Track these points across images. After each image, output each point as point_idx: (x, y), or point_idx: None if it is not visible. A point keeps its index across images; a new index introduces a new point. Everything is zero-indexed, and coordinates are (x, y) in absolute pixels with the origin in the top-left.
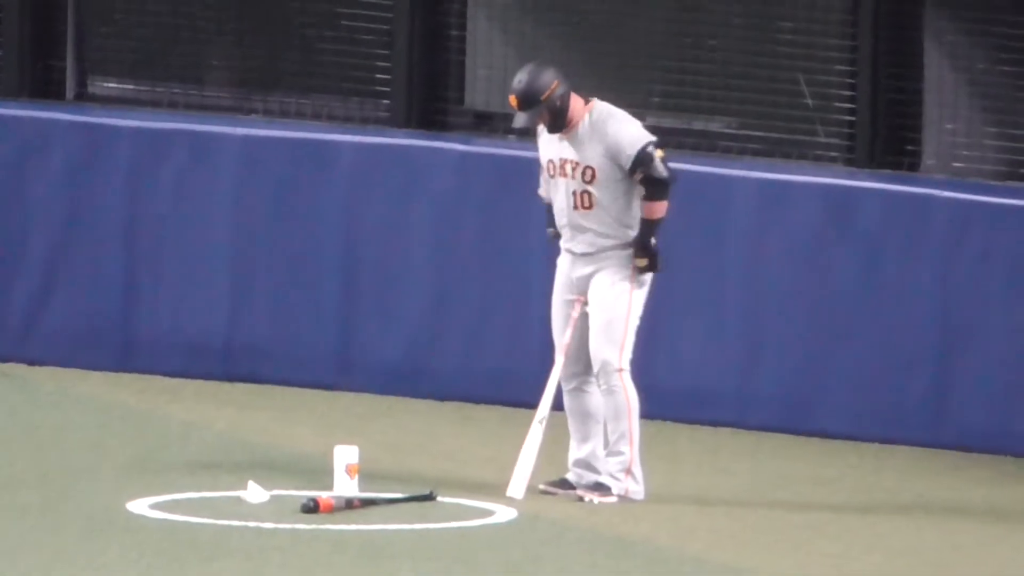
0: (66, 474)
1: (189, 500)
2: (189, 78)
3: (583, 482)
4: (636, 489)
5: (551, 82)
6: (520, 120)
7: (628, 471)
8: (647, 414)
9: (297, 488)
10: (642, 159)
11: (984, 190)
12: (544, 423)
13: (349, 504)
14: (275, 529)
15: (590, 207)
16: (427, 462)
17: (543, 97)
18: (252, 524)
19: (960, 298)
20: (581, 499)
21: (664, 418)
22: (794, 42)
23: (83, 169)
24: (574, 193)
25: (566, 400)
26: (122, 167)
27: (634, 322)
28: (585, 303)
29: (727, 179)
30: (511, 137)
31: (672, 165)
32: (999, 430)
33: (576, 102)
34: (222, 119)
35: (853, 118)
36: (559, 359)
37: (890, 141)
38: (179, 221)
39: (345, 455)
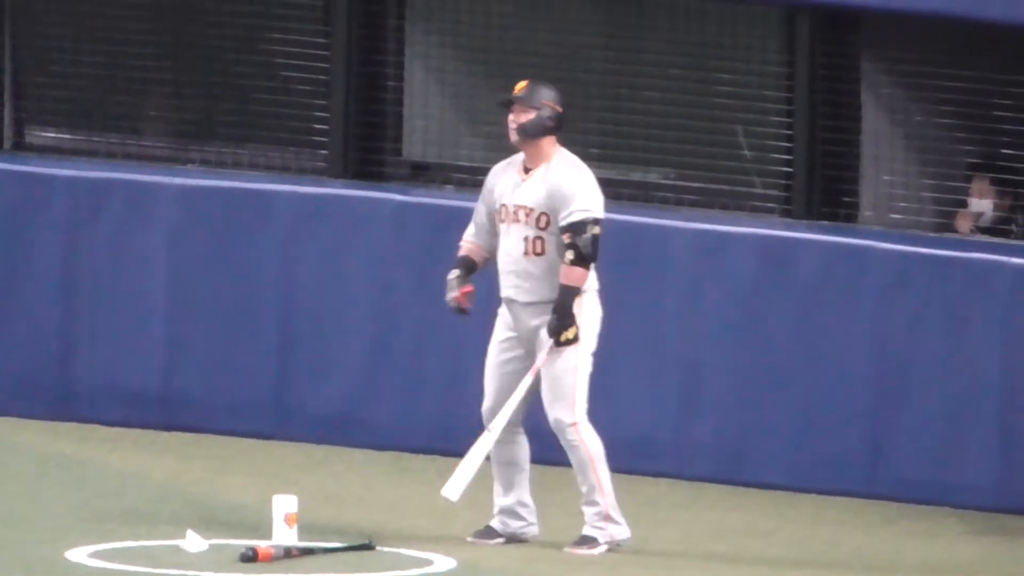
0: (4, 523)
1: (128, 549)
2: (126, 128)
3: (509, 530)
4: (619, 530)
5: (556, 103)
6: (512, 100)
7: (607, 517)
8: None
9: (236, 537)
10: (576, 227)
11: (921, 242)
12: (494, 434)
13: (288, 553)
14: None
15: (542, 253)
16: (365, 511)
17: (545, 102)
18: (191, 573)
19: (897, 350)
20: (571, 554)
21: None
22: (732, 93)
23: (20, 218)
24: (526, 239)
25: (492, 449)
26: (59, 216)
27: (583, 374)
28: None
29: (664, 230)
30: (449, 187)
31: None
32: (936, 481)
33: (551, 144)
34: (159, 169)
35: (790, 169)
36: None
37: (827, 192)
38: (116, 270)
39: (284, 504)
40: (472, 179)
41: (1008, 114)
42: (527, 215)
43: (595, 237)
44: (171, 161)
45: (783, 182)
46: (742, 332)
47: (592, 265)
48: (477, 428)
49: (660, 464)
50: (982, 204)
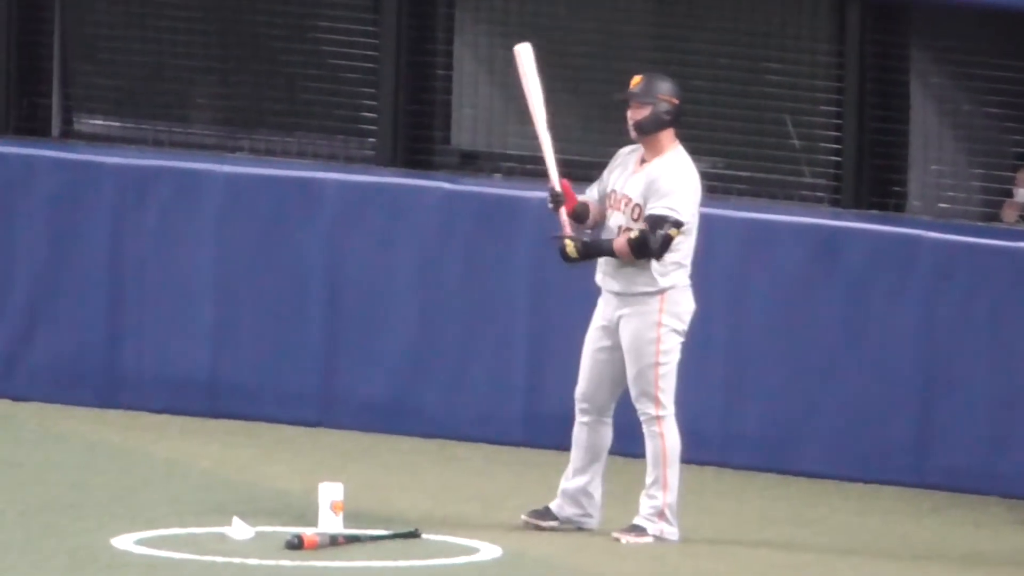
0: (50, 510)
1: (174, 536)
2: (174, 116)
3: (564, 514)
4: (671, 531)
5: (674, 96)
6: (629, 95)
7: (661, 514)
8: (629, 452)
9: (282, 525)
10: (656, 221)
11: (969, 231)
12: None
13: (333, 541)
14: (259, 565)
15: None
16: (411, 499)
17: (660, 96)
18: (236, 560)
19: (945, 339)
20: (617, 540)
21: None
22: (781, 83)
23: (68, 206)
24: (619, 228)
25: (577, 431)
26: (107, 204)
27: (666, 367)
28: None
29: (713, 219)
30: (497, 176)
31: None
32: (984, 471)
33: (669, 137)
34: (207, 157)
35: (839, 159)
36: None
37: (876, 182)
38: (163, 258)
39: (330, 492)
40: (521, 167)
41: None
42: (626, 204)
43: (668, 238)
44: (219, 149)
45: (832, 171)
46: (789, 321)
47: (656, 261)
48: (524, 416)
49: (707, 453)
50: None
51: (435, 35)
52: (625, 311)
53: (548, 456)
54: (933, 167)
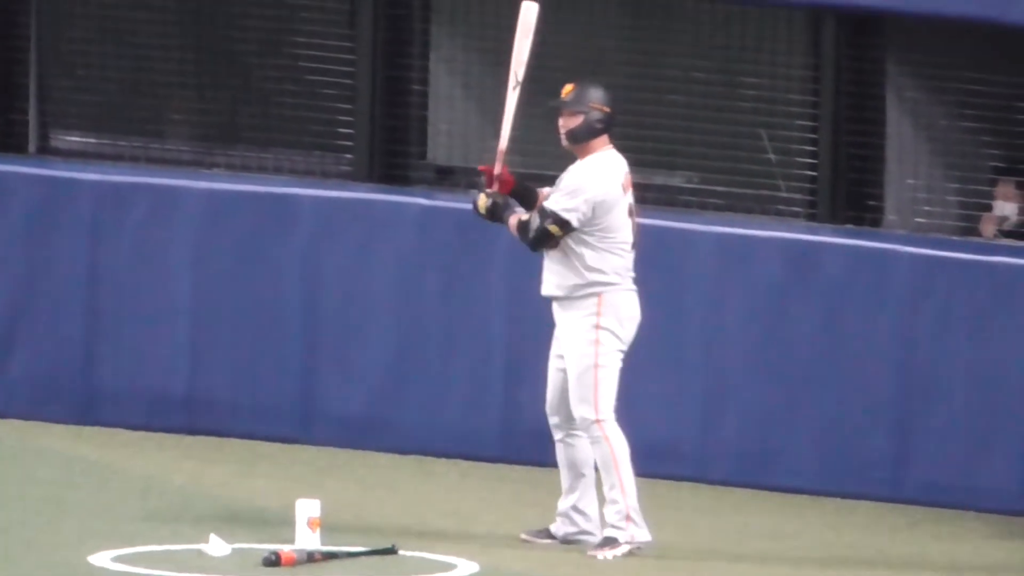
0: (28, 527)
1: (151, 553)
2: (151, 132)
3: (560, 534)
4: (640, 532)
5: (605, 104)
6: (560, 104)
7: (627, 517)
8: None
9: (259, 541)
10: (543, 212)
11: (945, 245)
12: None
13: (311, 557)
14: None
15: (555, 247)
16: (388, 515)
17: (591, 104)
18: None
19: (921, 353)
20: (594, 557)
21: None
22: (756, 97)
23: (45, 222)
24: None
25: (558, 451)
26: (84, 220)
27: (605, 369)
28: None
29: (688, 234)
30: (473, 191)
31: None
32: (961, 485)
33: (600, 143)
34: (183, 173)
35: (815, 173)
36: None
37: (852, 196)
38: (140, 274)
39: (307, 508)
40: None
41: None
42: None
43: (545, 231)
44: (196, 165)
45: (808, 186)
46: (766, 335)
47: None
48: (501, 432)
49: (683, 468)
50: (1006, 207)
51: (411, 50)
52: (563, 315)
53: (525, 472)
54: (909, 181)
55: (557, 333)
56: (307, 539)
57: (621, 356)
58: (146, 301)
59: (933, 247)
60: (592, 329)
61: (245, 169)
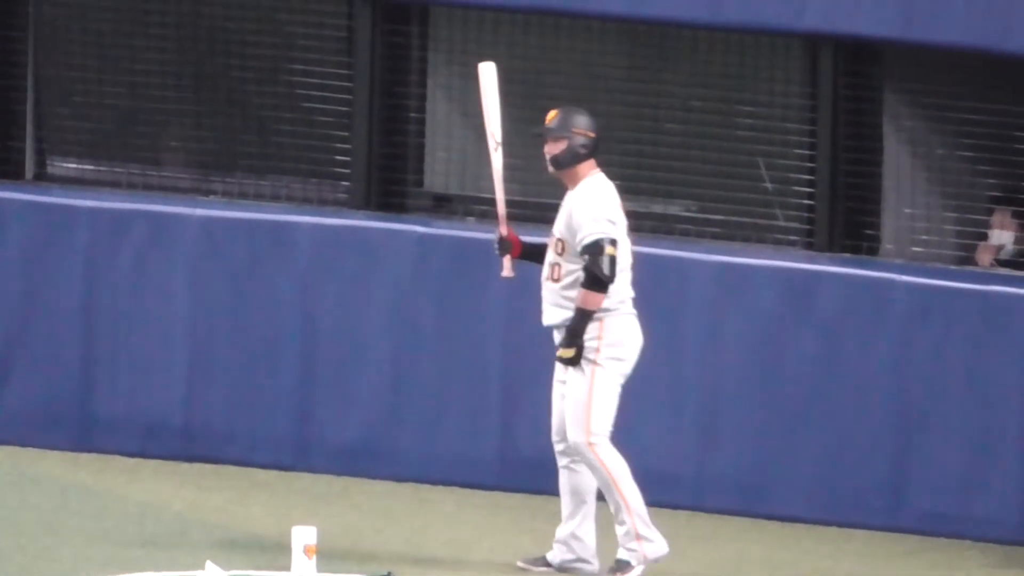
0: (24, 553)
1: None
2: (148, 159)
3: (557, 561)
4: (653, 547)
5: (588, 130)
6: (544, 131)
7: (637, 536)
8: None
9: (255, 568)
10: (592, 248)
11: (942, 275)
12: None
13: None
14: None
15: (558, 279)
16: (385, 543)
17: (575, 130)
18: None
19: (918, 382)
20: None
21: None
22: (753, 125)
23: (41, 249)
24: (549, 264)
25: (561, 477)
26: (81, 247)
27: (601, 394)
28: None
29: (686, 262)
30: (470, 219)
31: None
32: (958, 514)
33: (587, 170)
34: (181, 200)
35: (812, 202)
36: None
37: (849, 225)
38: (137, 301)
39: (303, 536)
40: (493, 211)
41: None
42: (553, 241)
43: (611, 258)
44: (193, 192)
45: (805, 215)
46: (763, 364)
47: (611, 282)
48: (497, 460)
49: (680, 496)
50: (1003, 236)
51: (408, 78)
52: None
53: (521, 499)
54: (906, 210)
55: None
56: (303, 566)
57: (622, 381)
58: (143, 328)
59: (930, 276)
60: (593, 352)
61: (242, 197)
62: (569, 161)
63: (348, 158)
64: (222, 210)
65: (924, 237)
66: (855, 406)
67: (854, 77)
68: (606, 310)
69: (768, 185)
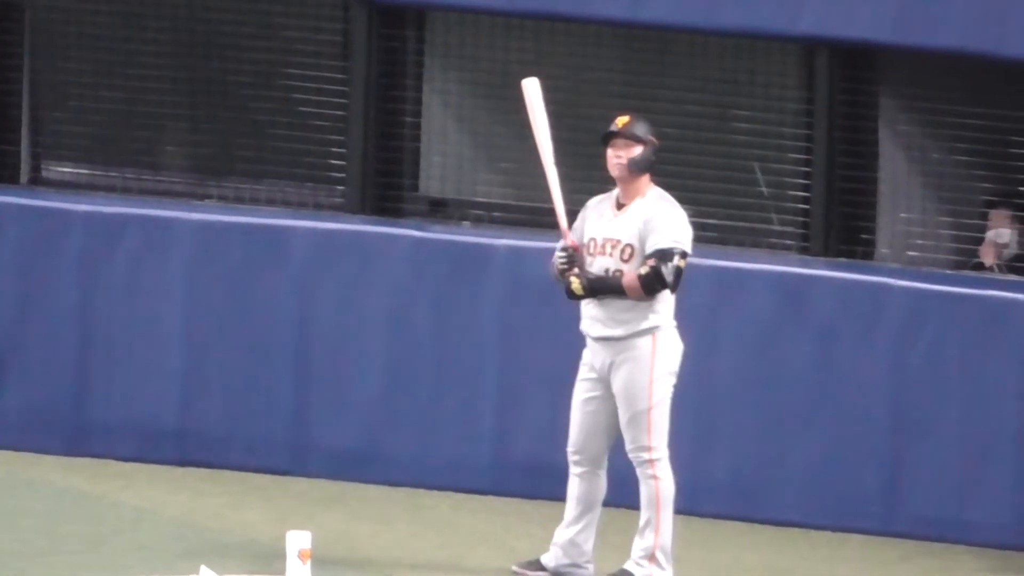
0: (19, 558)
1: None
2: (143, 163)
3: (552, 565)
4: (662, 574)
5: (654, 141)
6: (623, 132)
7: (652, 557)
8: (625, 503)
9: (250, 573)
10: (664, 255)
11: (938, 279)
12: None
13: None
14: None
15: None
16: (380, 548)
17: (647, 138)
18: None
19: (914, 387)
20: None
21: (616, 505)
22: (749, 130)
23: (36, 253)
24: (606, 270)
25: (573, 483)
26: (75, 251)
27: (659, 411)
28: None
29: None
30: (466, 224)
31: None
32: (953, 519)
33: (647, 182)
34: (176, 204)
35: (808, 206)
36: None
37: (844, 230)
38: (132, 305)
39: (298, 540)
40: (489, 215)
41: None
42: (613, 247)
43: (679, 269)
44: (188, 197)
45: (800, 219)
46: (758, 369)
47: (671, 293)
48: (492, 464)
49: (676, 500)
50: (1004, 234)
51: (404, 83)
52: (618, 357)
53: (516, 504)
54: (902, 215)
55: (592, 373)
56: (298, 571)
57: (672, 392)
58: (138, 332)
59: (926, 281)
60: (649, 371)
61: (238, 201)
62: (644, 167)
63: (344, 162)
64: (218, 214)
65: (920, 241)
66: (851, 411)
67: (850, 82)
68: (657, 327)
69: (764, 189)
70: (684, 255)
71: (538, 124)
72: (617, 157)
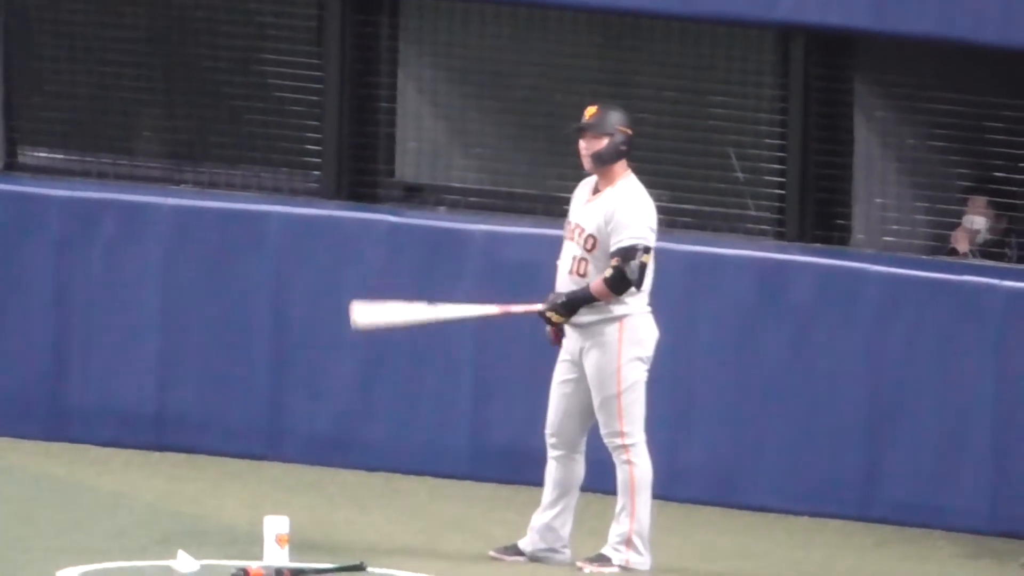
0: None
1: (119, 569)
2: (119, 148)
3: (529, 550)
4: (639, 560)
5: (626, 126)
6: (587, 126)
7: (628, 542)
8: (602, 488)
9: (227, 558)
10: (626, 252)
11: (914, 264)
12: (433, 312)
13: (279, 574)
14: None
15: (584, 275)
16: (357, 532)
17: (617, 128)
18: None
19: (890, 372)
20: (581, 569)
21: (592, 490)
22: (725, 115)
23: (12, 238)
24: (574, 258)
25: (551, 467)
26: (52, 236)
27: (630, 396)
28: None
29: (658, 252)
30: (442, 209)
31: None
32: (928, 504)
33: (622, 168)
34: (152, 190)
35: (783, 192)
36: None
37: (820, 215)
38: (109, 290)
39: (275, 525)
40: (464, 200)
41: (1001, 137)
42: (580, 235)
43: (643, 265)
44: (164, 182)
45: (776, 204)
46: (735, 354)
47: (637, 290)
48: (469, 450)
49: (652, 486)
50: (977, 222)
51: (379, 68)
52: (586, 343)
53: (493, 489)
54: (877, 200)
55: (567, 356)
56: (275, 556)
57: (645, 378)
58: (115, 317)
59: (901, 266)
60: (616, 356)
61: (213, 186)
62: (611, 158)
63: (319, 148)
64: (193, 199)
65: (895, 227)
66: (827, 396)
67: (825, 68)
68: (627, 314)
69: (739, 175)
70: (647, 250)
71: (413, 318)
72: (584, 150)
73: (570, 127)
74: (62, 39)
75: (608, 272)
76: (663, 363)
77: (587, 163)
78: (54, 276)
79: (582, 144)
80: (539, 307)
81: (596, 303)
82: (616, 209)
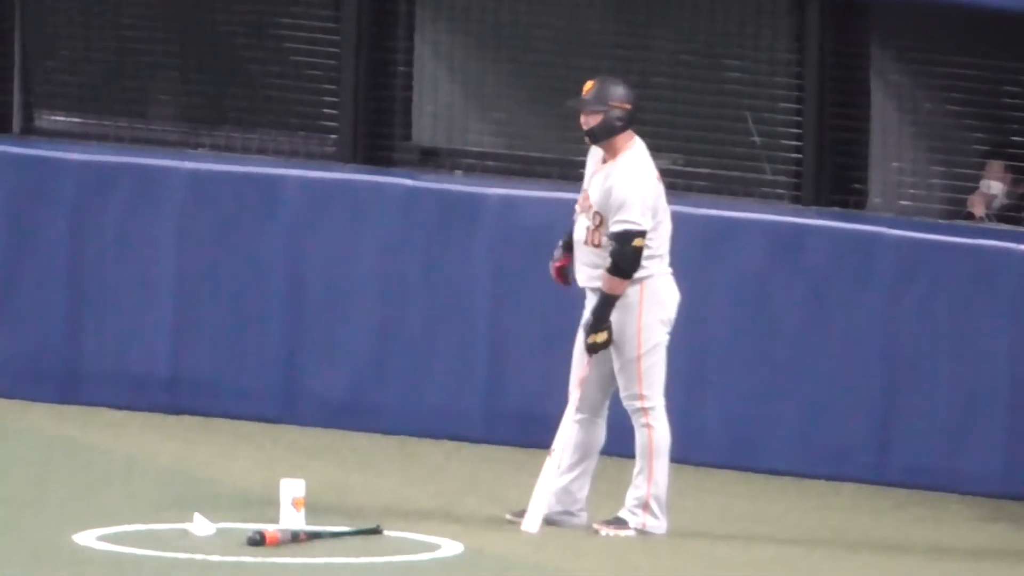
0: (10, 506)
1: (135, 532)
2: (135, 112)
3: (554, 511)
4: (655, 524)
5: (626, 100)
6: (580, 103)
7: (645, 506)
8: (622, 452)
9: (243, 521)
10: (621, 237)
11: (930, 228)
12: (555, 455)
13: (295, 537)
14: (221, 562)
15: (599, 246)
16: (372, 496)
17: (612, 103)
18: (198, 557)
19: (906, 336)
20: (597, 531)
21: (608, 454)
22: (741, 80)
23: (28, 202)
24: (588, 228)
25: (572, 430)
26: (67, 200)
27: (651, 359)
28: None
29: (674, 216)
30: (458, 173)
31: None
32: (944, 468)
33: (625, 140)
34: (168, 153)
35: (800, 156)
36: (573, 394)
37: (836, 179)
38: (124, 254)
39: (291, 488)
40: (481, 164)
41: (1018, 101)
42: (588, 208)
43: (636, 250)
44: (180, 145)
45: (792, 168)
46: (751, 318)
47: (654, 248)
48: (484, 413)
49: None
50: (994, 187)
51: (396, 32)
52: None
53: (508, 453)
54: (894, 164)
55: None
56: (292, 519)
57: (666, 341)
58: (130, 281)
59: (918, 230)
60: (636, 319)
61: (230, 150)
62: (605, 134)
63: (336, 111)
64: (209, 163)
65: (912, 191)
66: (842, 360)
67: (841, 31)
68: (647, 276)
69: (756, 139)
70: (641, 234)
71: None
72: (583, 126)
73: (568, 104)
74: (78, 3)
75: (607, 264)
76: (679, 327)
77: (586, 139)
78: (70, 240)
79: (581, 119)
80: (587, 352)
81: (614, 285)
82: (613, 187)
